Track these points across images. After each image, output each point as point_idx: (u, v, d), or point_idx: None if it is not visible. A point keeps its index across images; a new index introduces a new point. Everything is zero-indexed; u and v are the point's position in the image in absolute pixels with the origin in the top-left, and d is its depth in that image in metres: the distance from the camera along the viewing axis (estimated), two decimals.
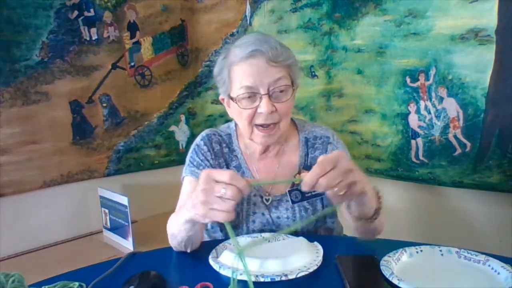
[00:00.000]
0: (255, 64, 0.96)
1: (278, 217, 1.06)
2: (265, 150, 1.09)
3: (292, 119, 1.12)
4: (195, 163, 1.07)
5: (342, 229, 1.17)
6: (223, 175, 0.72)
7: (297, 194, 1.06)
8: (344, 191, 0.74)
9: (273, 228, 1.05)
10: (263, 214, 1.06)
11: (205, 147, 1.09)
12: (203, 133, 1.13)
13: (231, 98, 1.01)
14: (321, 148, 1.10)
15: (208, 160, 1.07)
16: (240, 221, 1.06)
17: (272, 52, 0.96)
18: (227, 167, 1.09)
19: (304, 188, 0.74)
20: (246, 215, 1.06)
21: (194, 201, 0.75)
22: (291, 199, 1.06)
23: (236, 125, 1.14)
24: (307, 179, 0.73)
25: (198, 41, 2.54)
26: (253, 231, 1.05)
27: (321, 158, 0.75)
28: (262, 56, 0.96)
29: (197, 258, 0.91)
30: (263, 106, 0.96)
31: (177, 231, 0.89)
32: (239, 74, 0.98)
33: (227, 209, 0.71)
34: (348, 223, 0.96)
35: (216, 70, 1.06)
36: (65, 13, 2.06)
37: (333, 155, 0.75)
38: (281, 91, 0.98)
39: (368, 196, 0.83)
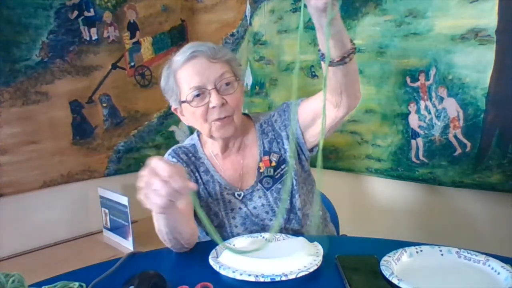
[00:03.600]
0: (197, 64, 1.02)
1: (255, 208, 1.09)
2: (226, 147, 1.11)
3: (247, 115, 1.17)
4: None
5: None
6: (165, 170, 0.70)
7: (268, 180, 1.09)
8: None
9: (253, 219, 1.09)
10: (240, 208, 1.09)
11: (174, 159, 1.11)
12: (168, 151, 1.15)
13: (183, 102, 1.04)
14: (270, 129, 1.13)
15: None
16: (221, 220, 1.09)
17: (210, 51, 1.02)
18: (198, 173, 1.11)
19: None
20: (226, 214, 1.09)
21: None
22: (263, 188, 1.09)
23: (198, 135, 1.17)
24: None
25: (198, 41, 2.53)
26: (236, 227, 1.09)
27: None
28: (202, 55, 1.02)
29: (197, 258, 0.91)
30: (213, 100, 1.00)
31: (157, 225, 0.89)
32: (185, 76, 1.02)
33: (159, 203, 0.70)
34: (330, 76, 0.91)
35: (162, 82, 1.09)
36: (65, 13, 2.06)
37: None
38: (227, 84, 1.03)
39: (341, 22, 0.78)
